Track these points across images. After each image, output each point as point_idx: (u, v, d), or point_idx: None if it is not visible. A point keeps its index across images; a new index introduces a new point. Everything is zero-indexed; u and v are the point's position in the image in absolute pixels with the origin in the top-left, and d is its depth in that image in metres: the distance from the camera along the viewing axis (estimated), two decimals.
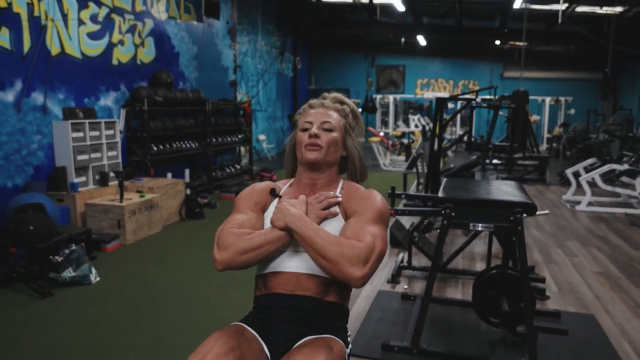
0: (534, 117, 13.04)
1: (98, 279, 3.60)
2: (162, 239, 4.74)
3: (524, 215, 2.29)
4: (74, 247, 3.56)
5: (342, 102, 1.54)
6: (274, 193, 1.47)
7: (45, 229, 3.58)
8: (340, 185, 1.50)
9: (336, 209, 1.41)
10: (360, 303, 3.25)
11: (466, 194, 2.47)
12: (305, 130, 1.45)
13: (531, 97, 12.19)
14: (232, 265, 1.30)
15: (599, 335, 2.74)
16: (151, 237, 4.81)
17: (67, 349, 2.62)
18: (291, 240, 1.32)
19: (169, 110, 6.51)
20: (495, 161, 9.27)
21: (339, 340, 1.31)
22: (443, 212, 2.39)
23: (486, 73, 14.87)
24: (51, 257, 3.49)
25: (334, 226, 1.37)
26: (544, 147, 13.66)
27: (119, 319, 2.98)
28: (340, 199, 1.42)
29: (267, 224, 1.38)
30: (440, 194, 2.48)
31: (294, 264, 1.35)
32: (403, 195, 3.05)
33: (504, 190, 2.55)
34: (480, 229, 2.36)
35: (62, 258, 3.46)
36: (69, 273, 3.45)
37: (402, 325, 2.90)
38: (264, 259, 1.33)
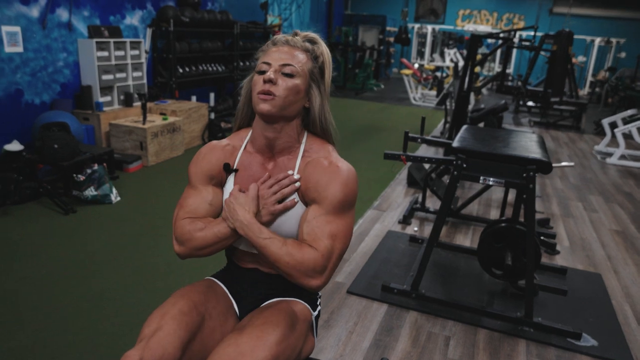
0: (577, 59, 12.28)
1: (118, 198, 3.75)
2: (183, 162, 4.83)
3: (538, 173, 2.22)
4: (96, 167, 3.67)
5: (313, 42, 1.27)
6: (227, 169, 1.28)
7: (69, 148, 3.69)
8: (303, 146, 1.27)
9: (294, 196, 1.23)
10: (368, 241, 3.30)
11: (481, 145, 2.39)
12: (262, 73, 1.20)
13: (579, 37, 11.42)
14: (192, 256, 1.26)
15: (602, 295, 2.73)
16: (173, 159, 4.92)
17: (83, 264, 2.78)
18: None
19: (195, 32, 6.38)
20: (530, 103, 8.91)
21: (305, 303, 1.31)
22: (454, 162, 2.34)
23: (534, 7, 13.87)
24: (74, 175, 3.62)
25: (291, 214, 1.23)
26: (585, 91, 13.00)
27: (134, 239, 3.13)
28: (297, 184, 1.22)
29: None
30: (454, 143, 2.41)
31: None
32: (419, 139, 2.98)
33: (522, 144, 2.46)
34: (491, 183, 2.31)
35: (84, 177, 3.59)
36: (90, 192, 3.59)
37: (406, 267, 2.95)
38: (223, 248, 1.27)
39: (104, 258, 2.88)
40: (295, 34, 1.28)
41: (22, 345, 2.07)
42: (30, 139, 4.21)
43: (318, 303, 1.37)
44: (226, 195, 1.28)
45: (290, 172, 1.24)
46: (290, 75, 1.19)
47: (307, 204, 1.24)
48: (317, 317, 1.36)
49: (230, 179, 1.29)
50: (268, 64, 1.20)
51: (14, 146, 3.59)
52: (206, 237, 1.22)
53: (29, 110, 4.30)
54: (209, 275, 1.41)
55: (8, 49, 4.05)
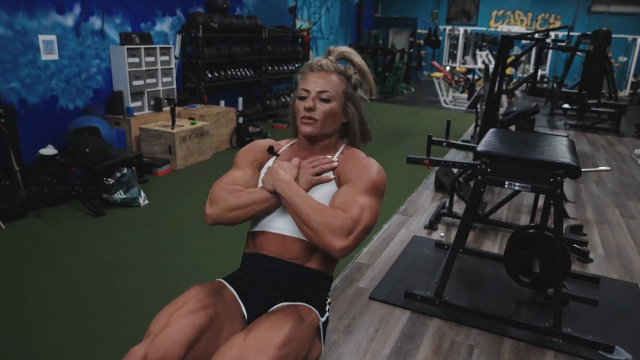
0: (618, 60, 11.82)
1: (147, 202, 3.82)
2: (211, 166, 4.90)
3: (566, 178, 2.13)
4: (125, 170, 3.75)
5: (346, 59, 1.42)
6: (271, 151, 1.45)
7: (100, 152, 3.79)
8: (340, 150, 1.45)
9: (330, 174, 1.37)
10: (392, 246, 3.25)
11: (506, 149, 2.32)
12: (302, 99, 1.37)
13: (619, 36, 11.00)
14: (220, 221, 1.32)
15: (638, 307, 2.60)
16: (201, 163, 4.99)
17: (110, 265, 2.84)
18: (280, 201, 1.31)
19: (224, 37, 6.47)
20: (565, 106, 8.63)
21: (313, 309, 1.30)
22: (478, 167, 2.28)
23: (571, 6, 13.44)
24: (104, 179, 3.71)
25: (325, 191, 1.34)
26: (626, 92, 12.50)
27: (161, 242, 3.18)
28: (335, 163, 1.38)
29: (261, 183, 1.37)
30: (478, 147, 2.35)
31: (281, 224, 1.34)
32: (444, 143, 2.92)
33: (550, 148, 2.37)
34: (517, 188, 2.23)
35: (113, 180, 3.68)
36: (119, 195, 3.68)
37: (430, 274, 2.89)
38: (252, 217, 1.33)
39: (130, 260, 2.93)
40: (329, 53, 1.42)
41: (49, 341, 2.13)
42: (64, 143, 4.35)
43: (327, 309, 1.36)
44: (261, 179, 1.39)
45: (329, 156, 1.41)
46: (327, 101, 1.36)
47: (340, 185, 1.35)
48: (326, 323, 1.35)
49: (271, 162, 1.44)
50: (307, 90, 1.37)
51: (48, 150, 3.72)
52: (240, 198, 1.31)
53: (63, 116, 4.45)
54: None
55: (44, 57, 4.20)
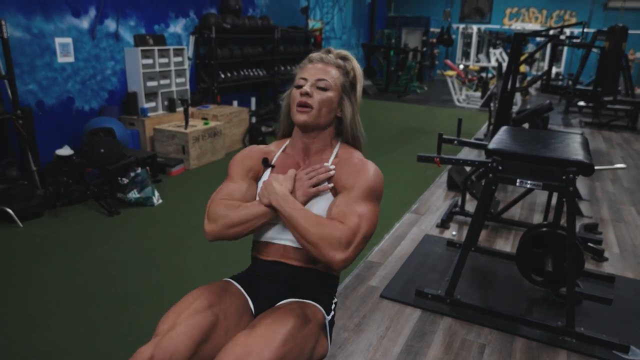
0: (635, 55, 11.62)
1: (160, 201, 3.87)
2: (224, 166, 4.90)
3: (579, 175, 2.11)
4: (139, 170, 3.80)
5: (345, 59, 1.41)
6: (266, 163, 1.42)
7: (114, 152, 3.85)
8: (336, 150, 1.42)
9: (327, 184, 1.34)
10: (404, 245, 3.25)
11: (518, 146, 2.31)
12: (299, 87, 1.35)
13: (637, 32, 10.82)
14: (221, 237, 1.31)
15: None
16: (214, 163, 5.03)
17: (124, 264, 2.89)
18: (278, 215, 1.29)
19: (237, 38, 6.51)
20: (581, 103, 8.52)
21: (319, 306, 1.31)
22: (489, 165, 2.27)
23: (587, 2, 13.26)
24: (119, 178, 3.77)
25: (323, 202, 1.33)
26: None
27: (174, 241, 3.21)
28: (332, 172, 1.34)
29: None
30: (489, 145, 2.34)
31: (282, 235, 1.36)
32: (455, 141, 2.91)
33: (563, 145, 2.35)
34: (528, 186, 2.21)
35: (128, 180, 3.73)
36: (134, 194, 3.73)
37: (442, 272, 2.88)
38: (252, 232, 1.33)
39: (144, 258, 2.97)
40: (329, 52, 1.42)
41: (64, 338, 2.17)
42: (80, 144, 4.42)
43: (333, 308, 1.37)
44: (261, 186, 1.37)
45: (325, 164, 1.37)
46: (324, 89, 1.34)
47: (337, 193, 1.33)
48: (332, 321, 1.35)
49: (267, 174, 1.41)
50: (304, 79, 1.36)
51: (65, 151, 3.78)
52: (239, 214, 1.29)
53: (79, 117, 4.52)
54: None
55: (61, 59, 4.28)
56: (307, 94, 1.32)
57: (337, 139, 1.44)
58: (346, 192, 1.29)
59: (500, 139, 2.47)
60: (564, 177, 2.12)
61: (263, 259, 1.39)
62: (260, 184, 1.39)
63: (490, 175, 2.27)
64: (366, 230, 1.24)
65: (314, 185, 1.32)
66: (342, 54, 1.42)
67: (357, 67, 1.42)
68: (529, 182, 2.21)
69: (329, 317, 1.33)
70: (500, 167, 2.25)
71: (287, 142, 1.48)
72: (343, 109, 1.39)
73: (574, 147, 2.34)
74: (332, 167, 1.35)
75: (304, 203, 1.31)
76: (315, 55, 1.41)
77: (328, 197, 1.33)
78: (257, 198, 1.34)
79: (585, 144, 2.42)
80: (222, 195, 1.37)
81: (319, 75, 1.34)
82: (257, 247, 1.42)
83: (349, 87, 1.39)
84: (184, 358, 1.09)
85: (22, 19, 3.92)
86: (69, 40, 4.32)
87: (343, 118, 1.40)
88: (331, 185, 1.34)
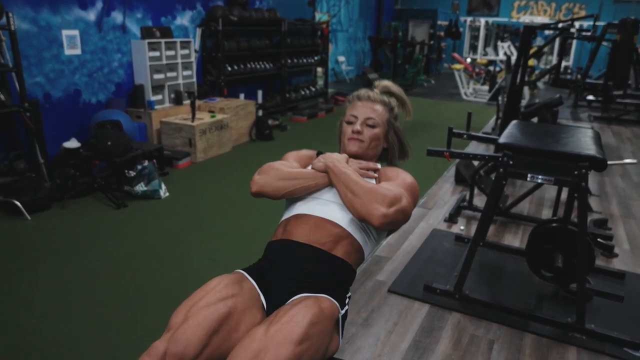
0: None
1: (167, 194, 3.87)
2: (231, 159, 4.93)
3: (592, 170, 2.08)
4: (146, 163, 3.80)
5: (389, 94, 1.63)
6: (319, 153, 1.61)
7: (121, 145, 3.84)
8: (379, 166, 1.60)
9: (373, 173, 1.52)
10: (412, 239, 3.23)
11: (529, 141, 2.28)
12: (350, 123, 1.57)
13: None
14: (265, 189, 1.41)
15: None
16: (220, 156, 5.02)
17: (132, 257, 2.89)
18: (324, 188, 1.44)
19: (244, 30, 6.48)
20: (590, 97, 8.43)
21: (334, 300, 1.29)
22: (500, 159, 2.24)
23: None
24: (126, 171, 3.77)
25: None
26: None
27: (181, 234, 3.21)
28: (379, 166, 1.56)
29: None
30: (500, 139, 2.31)
31: (316, 209, 1.43)
32: (464, 135, 2.88)
33: (574, 140, 2.32)
34: (539, 181, 2.19)
35: (135, 173, 3.73)
36: (141, 187, 3.73)
37: (450, 267, 2.86)
38: (296, 192, 1.42)
39: (151, 251, 2.98)
40: (374, 86, 1.65)
41: (72, 331, 2.18)
42: (87, 136, 4.43)
43: (346, 302, 1.35)
44: None
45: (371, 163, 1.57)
46: (372, 126, 1.57)
47: None
48: (345, 316, 1.34)
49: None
50: (355, 117, 1.57)
51: (72, 143, 3.79)
52: (292, 170, 1.45)
53: (86, 109, 4.52)
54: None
55: (68, 52, 4.27)
56: (358, 132, 1.55)
57: (379, 163, 1.67)
58: (391, 181, 1.46)
59: (510, 133, 2.44)
60: (576, 172, 2.09)
61: (286, 238, 1.41)
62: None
63: (501, 169, 2.25)
64: (406, 204, 1.36)
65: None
66: (386, 88, 1.65)
67: (399, 91, 1.66)
68: (540, 177, 2.19)
69: (343, 312, 1.32)
70: (511, 162, 2.22)
71: None
72: (389, 140, 1.62)
73: (585, 141, 2.30)
74: (378, 165, 1.58)
75: None
76: (363, 93, 1.61)
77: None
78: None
79: (597, 139, 2.39)
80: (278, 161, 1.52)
81: (367, 114, 1.56)
82: (285, 225, 1.46)
83: (393, 119, 1.63)
84: (196, 350, 1.09)
85: (30, 11, 3.91)
86: (76, 32, 4.31)
87: (390, 148, 1.64)
88: (376, 175, 1.52)
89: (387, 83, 1.65)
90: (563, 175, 2.14)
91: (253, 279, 1.36)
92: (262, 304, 1.33)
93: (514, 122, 2.72)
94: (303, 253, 1.35)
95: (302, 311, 1.16)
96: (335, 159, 1.43)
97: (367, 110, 1.56)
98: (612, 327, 2.27)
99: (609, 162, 2.32)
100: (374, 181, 1.49)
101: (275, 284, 1.34)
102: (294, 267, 1.34)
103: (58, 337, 2.14)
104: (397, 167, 1.60)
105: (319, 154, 1.60)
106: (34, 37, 3.98)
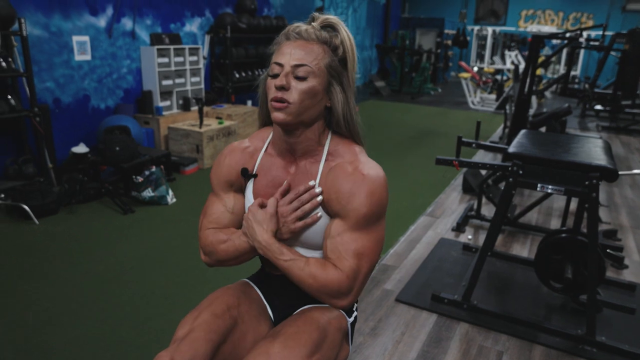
0: None
1: (174, 200, 3.87)
2: None
3: (602, 181, 2.07)
4: (153, 169, 3.81)
5: (332, 28, 1.13)
6: (245, 174, 1.20)
7: (129, 150, 3.86)
8: (326, 148, 1.17)
9: (317, 211, 1.15)
10: (419, 248, 3.21)
11: (539, 150, 2.26)
12: (274, 76, 1.08)
13: None
14: (221, 265, 1.26)
15: None
16: None
17: (138, 262, 2.89)
18: None
19: (252, 37, 6.51)
20: (598, 107, 8.39)
21: (341, 310, 1.25)
22: (510, 169, 2.23)
23: (605, 4, 13.08)
24: (134, 177, 3.78)
25: (316, 227, 1.17)
26: None
27: (187, 240, 3.21)
28: (319, 198, 1.13)
29: (249, 204, 1.22)
30: (510, 149, 2.30)
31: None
32: (473, 144, 2.87)
33: (585, 150, 2.30)
34: (549, 191, 2.17)
35: (142, 178, 3.74)
36: (148, 193, 3.73)
37: (458, 277, 2.84)
38: (249, 260, 1.25)
39: (157, 257, 2.97)
40: (312, 20, 1.14)
41: (79, 336, 2.17)
42: (95, 141, 4.45)
43: (354, 309, 1.33)
44: (247, 201, 1.24)
45: (311, 182, 1.14)
46: (303, 78, 1.07)
47: (331, 215, 1.16)
48: (354, 323, 1.31)
49: (250, 185, 1.23)
50: (280, 64, 1.07)
51: (80, 148, 3.80)
52: (228, 250, 1.21)
53: (95, 115, 4.55)
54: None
55: (78, 58, 4.31)
56: (282, 88, 1.06)
57: (328, 131, 1.18)
58: (340, 222, 1.12)
59: (520, 142, 2.43)
60: (586, 183, 2.07)
61: (270, 272, 1.31)
62: (246, 196, 1.24)
63: (511, 179, 2.23)
64: (367, 269, 1.14)
65: (301, 218, 1.15)
66: (328, 22, 1.13)
67: (348, 38, 1.13)
68: (550, 186, 2.17)
69: (351, 319, 1.29)
70: (520, 171, 2.21)
71: (270, 135, 1.24)
72: (332, 96, 1.11)
73: (596, 151, 2.29)
74: (319, 189, 1.13)
75: (294, 238, 1.18)
76: (293, 28, 1.11)
77: (322, 223, 1.16)
78: (243, 225, 1.19)
79: (608, 149, 2.37)
80: (210, 221, 1.26)
81: (297, 60, 1.06)
82: (263, 258, 1.31)
83: (339, 67, 1.12)
84: None
85: (42, 17, 3.95)
86: (86, 38, 4.34)
87: (333, 108, 1.13)
88: (320, 214, 1.15)
89: (331, 17, 1.12)
90: (573, 185, 2.12)
91: (259, 287, 1.33)
92: (269, 313, 1.30)
93: (523, 131, 2.71)
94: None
95: (309, 323, 1.13)
96: (263, 244, 1.13)
97: (297, 53, 1.06)
98: (624, 340, 2.24)
99: (619, 173, 2.30)
100: (323, 220, 1.15)
101: (280, 294, 1.30)
102: (292, 285, 1.26)
103: (63, 342, 2.14)
104: (345, 152, 1.16)
105: (243, 172, 1.20)
106: (45, 43, 4.01)
